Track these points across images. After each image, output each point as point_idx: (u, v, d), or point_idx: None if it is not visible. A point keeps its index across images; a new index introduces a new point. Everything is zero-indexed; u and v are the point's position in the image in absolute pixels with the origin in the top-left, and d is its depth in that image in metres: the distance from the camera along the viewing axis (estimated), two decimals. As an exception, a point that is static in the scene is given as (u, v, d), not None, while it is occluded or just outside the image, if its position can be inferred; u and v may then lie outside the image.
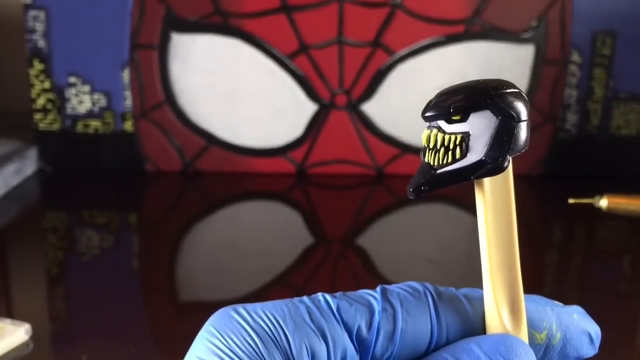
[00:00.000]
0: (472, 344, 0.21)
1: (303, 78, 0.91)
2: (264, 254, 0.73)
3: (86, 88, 0.91)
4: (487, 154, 0.21)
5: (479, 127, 0.21)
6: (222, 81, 0.91)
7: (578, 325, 0.23)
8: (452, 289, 0.23)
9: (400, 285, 0.23)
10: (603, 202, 0.63)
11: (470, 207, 0.85)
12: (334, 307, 0.22)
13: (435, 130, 0.21)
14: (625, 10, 0.91)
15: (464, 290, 0.23)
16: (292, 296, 0.22)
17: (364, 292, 0.23)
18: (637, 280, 0.71)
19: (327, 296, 0.22)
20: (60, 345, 0.56)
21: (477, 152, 0.21)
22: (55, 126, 0.92)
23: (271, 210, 0.88)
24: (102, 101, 0.91)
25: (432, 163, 0.21)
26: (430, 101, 0.21)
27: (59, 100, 0.91)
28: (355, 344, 0.21)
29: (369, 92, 0.92)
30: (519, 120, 0.21)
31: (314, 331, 0.21)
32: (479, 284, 0.23)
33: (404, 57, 0.91)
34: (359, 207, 0.89)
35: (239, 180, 0.93)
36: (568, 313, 0.24)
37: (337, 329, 0.21)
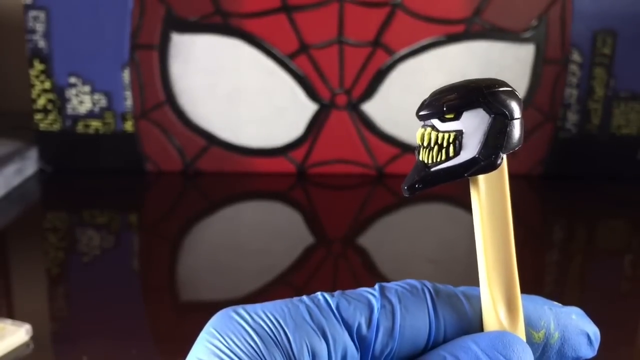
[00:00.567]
0: (470, 342, 0.21)
1: (303, 78, 0.91)
2: (265, 254, 0.73)
3: (86, 88, 0.91)
4: (480, 152, 0.21)
5: (472, 125, 0.21)
6: (223, 81, 0.91)
7: (576, 325, 0.24)
8: (451, 287, 0.23)
9: (398, 282, 0.23)
10: None
11: (469, 206, 0.85)
12: (333, 306, 0.22)
13: (429, 129, 0.21)
14: (625, 9, 0.91)
15: (462, 288, 0.23)
16: (292, 296, 0.22)
17: (363, 290, 0.23)
18: (637, 279, 0.71)
19: (326, 295, 0.22)
20: (61, 345, 0.56)
21: (470, 150, 0.21)
22: (56, 126, 0.92)
23: (271, 210, 0.88)
24: (103, 101, 0.91)
25: (426, 161, 0.22)
26: (425, 100, 0.22)
27: (60, 100, 0.91)
28: (356, 342, 0.21)
29: (369, 92, 0.92)
30: (512, 118, 0.21)
31: (314, 330, 0.21)
32: (478, 283, 0.23)
33: (404, 56, 0.91)
34: (359, 207, 0.89)
35: (239, 180, 0.93)
36: (566, 313, 0.24)
37: (337, 327, 0.21)
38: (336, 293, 0.22)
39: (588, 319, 0.24)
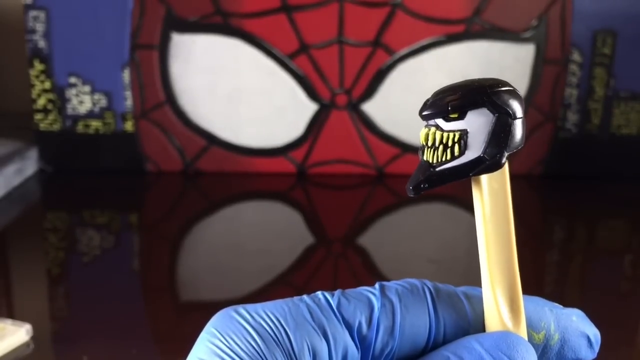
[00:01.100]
0: (473, 342, 0.21)
1: (303, 78, 0.91)
2: (265, 254, 0.73)
3: (86, 88, 0.91)
4: (485, 151, 0.21)
5: (477, 124, 0.21)
6: (223, 81, 0.91)
7: (577, 327, 0.24)
8: (451, 287, 0.23)
9: (398, 281, 0.23)
10: None
11: (470, 206, 0.85)
12: (334, 305, 0.22)
13: (433, 129, 0.22)
14: (625, 9, 0.91)
15: (463, 288, 0.23)
16: (292, 296, 0.22)
17: (363, 289, 0.23)
18: (637, 279, 0.71)
19: (327, 294, 0.22)
20: (61, 345, 0.56)
21: (475, 149, 0.21)
22: (56, 126, 0.92)
23: (272, 210, 0.88)
24: (103, 101, 0.91)
25: (430, 161, 0.22)
26: (428, 100, 0.22)
27: (60, 100, 0.91)
28: (356, 341, 0.21)
29: (370, 91, 0.92)
30: (515, 118, 0.21)
31: (315, 329, 0.21)
32: (479, 282, 0.23)
33: (405, 56, 0.91)
34: (359, 206, 0.89)
35: (239, 180, 0.93)
36: (567, 315, 0.24)
37: (338, 327, 0.21)
38: (336, 292, 0.22)
39: (589, 321, 0.24)
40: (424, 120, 0.22)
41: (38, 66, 0.90)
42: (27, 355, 0.52)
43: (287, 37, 0.90)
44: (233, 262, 0.72)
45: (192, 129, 0.93)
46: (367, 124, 0.93)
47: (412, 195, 0.22)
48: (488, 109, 0.21)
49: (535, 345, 0.23)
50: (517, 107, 0.21)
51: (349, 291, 0.23)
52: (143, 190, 0.93)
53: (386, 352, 0.22)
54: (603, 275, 0.72)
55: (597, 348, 0.24)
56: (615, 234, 0.85)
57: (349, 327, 0.21)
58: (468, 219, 0.82)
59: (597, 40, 0.92)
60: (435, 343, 0.22)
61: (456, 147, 0.21)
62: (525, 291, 0.23)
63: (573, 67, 0.93)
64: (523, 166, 0.96)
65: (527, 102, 0.93)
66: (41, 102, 0.91)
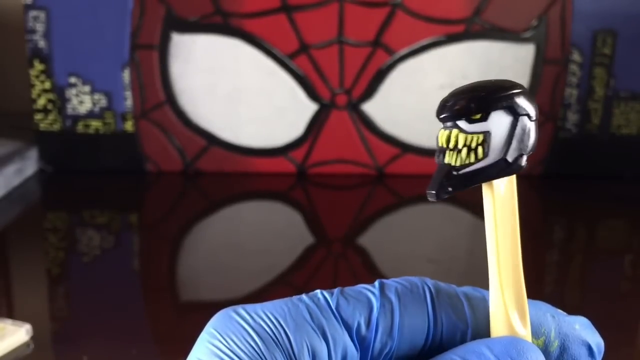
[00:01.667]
0: (483, 347, 0.21)
1: (303, 78, 0.91)
2: (265, 254, 0.73)
3: (86, 88, 0.91)
4: (507, 153, 0.21)
5: (499, 126, 0.21)
6: (223, 81, 0.91)
7: (578, 335, 0.23)
8: (453, 287, 0.23)
9: (398, 279, 0.23)
10: None
11: (470, 206, 0.85)
12: (333, 305, 0.22)
13: (455, 131, 0.21)
14: (625, 9, 0.91)
15: (464, 288, 0.23)
16: (292, 296, 0.22)
17: (362, 287, 0.23)
18: (637, 279, 0.71)
19: (326, 293, 0.22)
20: (61, 345, 0.56)
21: (497, 152, 0.21)
22: (56, 126, 0.92)
23: (272, 210, 0.88)
24: (103, 101, 0.91)
25: (453, 163, 0.21)
26: (446, 101, 0.21)
27: (60, 100, 0.91)
28: (356, 342, 0.21)
29: (370, 91, 0.92)
30: (532, 120, 0.21)
31: (314, 330, 0.21)
32: (479, 282, 0.23)
33: (405, 56, 0.91)
34: (359, 206, 0.89)
35: (239, 180, 0.93)
36: (569, 322, 0.23)
37: (337, 328, 0.21)
38: (335, 291, 0.22)
39: (593, 330, 0.24)
40: (443, 122, 0.21)
41: (38, 66, 0.90)
42: (27, 355, 0.52)
43: (287, 37, 0.90)
44: (233, 262, 0.72)
45: (192, 129, 0.93)
46: (367, 124, 0.93)
47: (433, 200, 0.21)
48: (509, 111, 0.21)
49: None
50: (533, 108, 0.21)
51: (348, 290, 0.22)
52: (143, 190, 0.93)
53: (385, 352, 0.22)
54: (603, 275, 0.72)
55: (599, 358, 0.23)
56: (615, 234, 0.85)
57: (348, 327, 0.21)
58: (468, 219, 0.82)
59: (597, 40, 0.92)
60: (432, 343, 0.22)
61: (480, 149, 0.21)
62: (526, 291, 0.23)
63: (573, 67, 0.93)
64: (523, 166, 0.95)
65: (527, 102, 0.93)
66: (41, 102, 0.91)
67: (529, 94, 0.21)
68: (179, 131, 0.93)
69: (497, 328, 0.22)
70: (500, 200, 0.22)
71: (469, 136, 0.21)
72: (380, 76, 0.92)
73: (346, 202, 0.90)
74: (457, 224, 0.83)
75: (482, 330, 0.22)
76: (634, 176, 0.96)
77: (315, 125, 0.93)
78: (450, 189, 0.21)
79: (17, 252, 0.74)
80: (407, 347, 0.22)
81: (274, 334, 0.21)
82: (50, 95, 0.91)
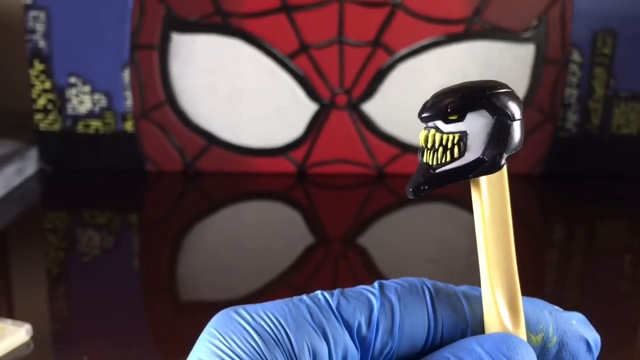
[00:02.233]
0: (474, 343, 0.21)
1: (303, 78, 0.91)
2: (265, 254, 0.73)
3: (86, 88, 0.91)
4: (484, 152, 0.21)
5: (476, 126, 0.21)
6: (223, 81, 0.91)
7: (576, 331, 0.23)
8: (452, 286, 0.23)
9: (397, 280, 0.23)
10: None
11: (469, 206, 0.85)
12: (333, 305, 0.22)
13: (433, 131, 0.22)
14: (625, 9, 0.91)
15: (463, 287, 0.23)
16: (292, 296, 0.22)
17: (362, 288, 0.23)
18: (637, 279, 0.71)
19: (326, 294, 0.22)
20: (61, 345, 0.56)
21: (474, 151, 0.21)
22: (56, 126, 0.92)
23: (272, 210, 0.88)
24: (103, 101, 0.91)
25: (430, 163, 0.22)
26: (427, 102, 0.22)
27: (60, 100, 0.91)
28: (356, 342, 0.21)
29: (370, 91, 0.92)
30: (514, 120, 0.21)
31: (315, 330, 0.21)
32: (478, 282, 0.23)
33: (405, 56, 0.91)
34: (359, 206, 0.89)
35: (239, 180, 0.93)
36: (566, 318, 0.23)
37: (338, 328, 0.21)
38: (336, 291, 0.22)
39: (589, 325, 0.24)
40: (423, 122, 0.22)
41: (38, 66, 0.90)
42: (27, 355, 0.52)
43: (287, 37, 0.90)
44: (233, 262, 0.72)
45: (192, 129, 0.93)
46: (367, 124, 0.93)
47: (411, 197, 0.22)
48: (487, 111, 0.21)
49: (533, 348, 0.23)
50: (515, 108, 0.21)
51: (348, 290, 0.22)
52: (143, 190, 0.93)
53: (385, 352, 0.22)
54: (603, 275, 0.72)
55: (596, 353, 0.24)
56: (615, 234, 0.85)
57: (348, 327, 0.21)
58: (468, 219, 0.82)
59: (597, 40, 0.92)
60: (433, 343, 0.22)
61: (455, 148, 0.21)
62: (525, 291, 0.23)
63: (573, 67, 0.93)
64: (523, 166, 0.96)
65: (527, 102, 0.93)
66: (41, 102, 0.91)
67: (512, 94, 0.21)
68: (179, 131, 0.93)
69: (489, 325, 0.22)
70: (489, 198, 0.22)
71: (445, 136, 0.21)
72: (380, 76, 0.92)
73: (346, 202, 0.90)
74: (457, 224, 0.83)
75: (482, 329, 0.23)
76: (634, 176, 0.96)
77: (315, 125, 0.93)
78: (426, 186, 0.22)
79: (17, 252, 0.74)
80: (407, 347, 0.22)
81: (274, 334, 0.21)
82: (50, 95, 0.91)
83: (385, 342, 0.22)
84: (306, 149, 0.94)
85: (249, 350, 0.20)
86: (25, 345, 0.53)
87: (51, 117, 0.92)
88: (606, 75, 0.93)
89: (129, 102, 0.91)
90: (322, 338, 0.21)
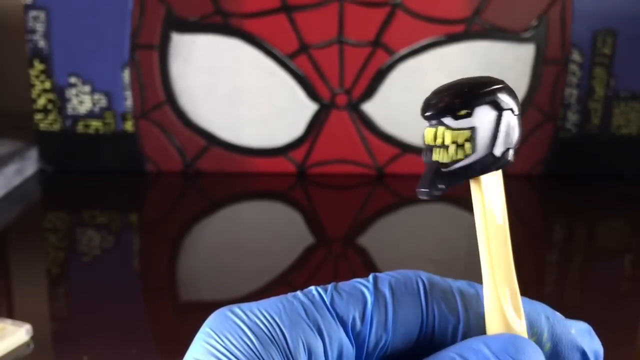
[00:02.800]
0: (480, 344, 0.21)
1: (303, 78, 0.91)
2: (265, 254, 0.73)
3: (86, 88, 0.91)
4: (495, 148, 0.21)
5: (485, 121, 0.21)
6: (223, 81, 0.91)
7: (572, 340, 0.23)
8: (449, 281, 0.23)
9: (392, 273, 0.23)
10: None
11: (469, 206, 0.85)
12: (327, 301, 0.22)
13: (442, 128, 0.21)
14: (625, 9, 0.91)
15: (460, 283, 0.23)
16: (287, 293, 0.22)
17: (356, 282, 0.23)
18: (637, 279, 0.71)
19: (320, 289, 0.22)
20: (61, 345, 0.56)
21: (484, 147, 0.21)
22: (56, 126, 0.92)
23: (272, 210, 0.88)
24: (103, 101, 0.91)
25: (442, 160, 0.21)
26: (429, 99, 0.21)
27: (60, 100, 0.91)
28: (351, 337, 0.21)
29: (370, 91, 0.92)
30: (517, 114, 0.21)
31: (310, 327, 0.21)
32: (479, 282, 0.23)
33: (405, 56, 0.91)
34: (359, 206, 0.89)
35: (239, 180, 0.93)
36: (565, 326, 0.23)
37: (333, 324, 0.21)
38: (329, 287, 0.22)
39: (592, 336, 0.23)
40: (428, 120, 0.21)
41: (38, 66, 0.90)
42: (27, 355, 0.52)
43: (287, 37, 0.90)
44: (233, 262, 0.72)
45: (192, 129, 0.93)
46: (367, 124, 0.93)
47: (426, 198, 0.21)
48: (493, 106, 0.21)
49: None
50: (516, 103, 0.21)
51: (342, 285, 0.22)
52: (143, 190, 0.93)
53: (380, 346, 0.22)
54: (603, 275, 0.72)
55: None
56: (615, 234, 0.85)
57: (343, 323, 0.21)
58: (468, 219, 0.82)
59: (597, 40, 0.92)
60: (425, 337, 0.22)
61: (467, 145, 0.21)
62: (525, 291, 0.23)
63: (573, 67, 0.93)
64: (523, 166, 0.95)
65: (527, 102, 0.93)
66: (41, 102, 0.91)
67: (511, 89, 0.21)
68: (179, 131, 0.93)
69: (493, 325, 0.22)
70: (489, 196, 0.22)
71: (456, 132, 0.21)
72: (380, 76, 0.92)
73: (346, 202, 0.90)
74: (457, 224, 0.83)
75: (474, 326, 0.22)
76: (634, 176, 0.96)
77: (315, 125, 0.93)
78: (442, 185, 0.21)
79: (17, 252, 0.74)
80: (401, 341, 0.22)
81: (269, 331, 0.21)
82: (50, 95, 0.91)
83: (380, 336, 0.22)
84: (306, 149, 0.94)
85: (245, 349, 0.20)
86: (25, 345, 0.53)
87: (51, 117, 0.92)
88: (606, 75, 0.93)
89: (129, 102, 0.91)
90: (317, 335, 0.21)
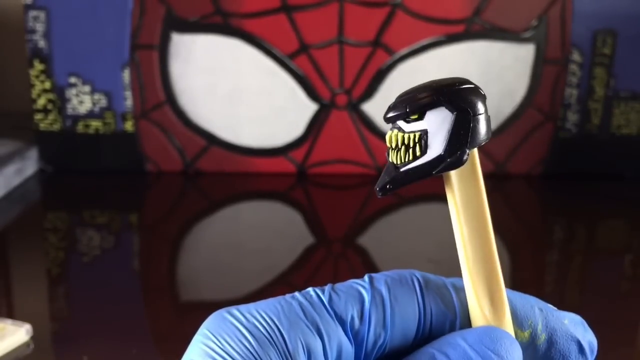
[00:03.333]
0: (458, 338, 0.21)
1: (303, 78, 0.91)
2: (265, 254, 0.73)
3: (86, 88, 0.91)
4: (445, 149, 0.21)
5: (436, 123, 0.21)
6: (223, 81, 0.91)
7: (566, 331, 0.23)
8: (442, 278, 0.23)
9: (387, 272, 0.23)
10: None
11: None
12: (325, 301, 0.22)
13: (396, 131, 0.22)
14: (625, 9, 0.91)
15: (452, 279, 0.24)
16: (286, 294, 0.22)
17: (352, 282, 0.23)
18: (637, 279, 0.71)
19: (318, 290, 0.22)
20: (61, 345, 0.56)
21: (436, 148, 0.22)
22: (56, 126, 0.92)
23: (272, 210, 0.88)
24: (103, 101, 0.91)
25: (395, 162, 0.22)
26: (391, 104, 0.22)
27: (60, 100, 0.91)
28: (350, 336, 0.21)
29: (370, 91, 0.92)
30: (475, 114, 0.21)
31: (308, 327, 0.21)
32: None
33: (404, 56, 0.91)
34: (359, 206, 0.89)
35: (239, 180, 0.93)
36: (558, 317, 0.23)
37: (331, 323, 0.21)
38: (327, 287, 0.22)
39: (585, 327, 0.24)
40: (387, 123, 0.22)
41: (38, 66, 0.90)
42: (27, 355, 0.52)
43: (287, 37, 0.90)
44: (233, 262, 0.72)
45: (192, 129, 0.93)
46: (367, 124, 0.93)
47: (380, 196, 0.22)
48: (446, 108, 0.21)
49: (520, 344, 0.23)
50: (476, 103, 0.21)
51: (339, 285, 0.23)
52: (143, 190, 0.93)
53: (379, 345, 0.22)
54: (603, 275, 0.72)
55: (591, 357, 0.23)
56: (615, 234, 0.85)
57: (341, 322, 0.21)
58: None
59: (597, 40, 0.92)
60: (422, 334, 0.22)
61: (417, 147, 0.22)
62: (525, 292, 0.23)
63: (573, 67, 0.93)
64: (523, 166, 0.95)
65: (527, 102, 0.93)
66: (41, 102, 0.91)
67: (474, 90, 0.22)
68: (179, 131, 0.93)
69: (473, 318, 0.22)
70: (460, 193, 0.22)
71: (407, 135, 0.22)
72: (380, 76, 0.92)
73: (346, 202, 0.90)
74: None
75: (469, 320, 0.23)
76: (634, 176, 0.96)
77: (315, 125, 0.93)
78: (391, 186, 0.22)
79: (17, 252, 0.74)
80: (399, 338, 0.22)
81: (268, 333, 0.21)
82: (50, 95, 0.91)
83: (378, 334, 0.22)
84: (306, 149, 0.94)
85: (243, 351, 0.20)
86: (25, 345, 0.53)
87: (51, 117, 0.92)
88: (606, 75, 0.93)
89: (129, 102, 0.92)
90: (315, 335, 0.21)
